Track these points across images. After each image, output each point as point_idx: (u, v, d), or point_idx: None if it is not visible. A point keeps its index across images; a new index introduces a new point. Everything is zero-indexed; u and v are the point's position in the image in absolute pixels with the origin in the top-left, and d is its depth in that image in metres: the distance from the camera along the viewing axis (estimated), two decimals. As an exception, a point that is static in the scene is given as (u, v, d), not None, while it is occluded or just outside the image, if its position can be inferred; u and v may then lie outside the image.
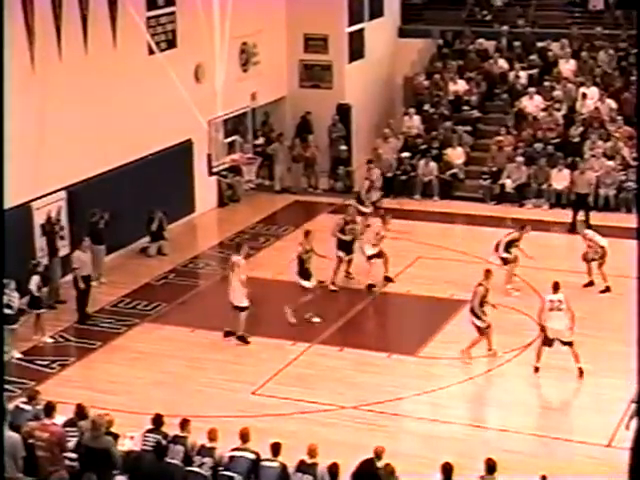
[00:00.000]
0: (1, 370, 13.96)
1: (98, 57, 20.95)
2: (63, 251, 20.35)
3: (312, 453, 12.25)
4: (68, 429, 12.59)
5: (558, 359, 17.45)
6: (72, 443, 12.47)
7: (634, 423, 13.23)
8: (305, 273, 18.84)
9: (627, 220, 22.93)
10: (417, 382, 16.77)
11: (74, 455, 12.34)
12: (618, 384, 15.90)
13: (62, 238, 20.28)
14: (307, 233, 19.35)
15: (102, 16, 20.95)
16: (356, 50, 27.60)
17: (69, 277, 20.30)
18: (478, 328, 17.40)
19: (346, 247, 20.37)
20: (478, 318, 17.37)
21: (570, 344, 16.76)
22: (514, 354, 17.56)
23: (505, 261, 20.13)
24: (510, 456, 14.04)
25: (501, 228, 23.73)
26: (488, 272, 17.77)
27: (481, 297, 17.37)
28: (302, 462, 12.24)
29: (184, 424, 12.74)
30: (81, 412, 12.97)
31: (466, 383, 16.79)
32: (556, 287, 17.07)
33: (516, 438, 15.03)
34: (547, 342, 16.87)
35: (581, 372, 16.72)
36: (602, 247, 20.00)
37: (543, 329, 16.84)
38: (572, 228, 23.18)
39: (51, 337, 18.42)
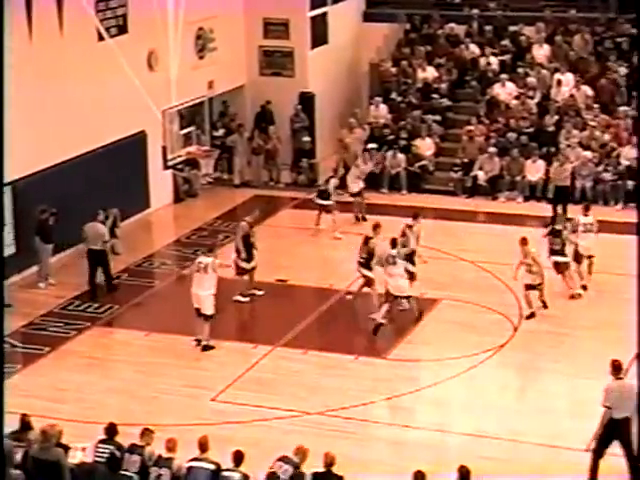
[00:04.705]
0: (1, 368, 13.82)
1: (44, 44, 20.80)
2: (8, 250, 20.20)
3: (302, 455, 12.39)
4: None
5: (533, 360, 17.57)
6: (18, 456, 12.38)
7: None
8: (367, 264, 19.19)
9: (604, 213, 23.07)
10: (386, 386, 16.79)
11: (18, 471, 12.23)
12: (596, 385, 15.97)
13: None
14: (375, 226, 19.69)
15: (48, 1, 20.78)
16: (319, 35, 27.57)
17: (16, 278, 20.22)
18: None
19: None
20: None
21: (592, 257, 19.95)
22: (487, 355, 17.62)
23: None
24: (485, 462, 14.09)
25: (473, 222, 23.96)
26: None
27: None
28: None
29: (144, 433, 12.65)
30: (26, 423, 12.87)
31: (437, 386, 16.84)
32: (587, 208, 20.34)
33: (491, 443, 15.08)
34: (578, 258, 19.82)
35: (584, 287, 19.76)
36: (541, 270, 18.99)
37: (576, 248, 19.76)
38: (552, 222, 23.09)
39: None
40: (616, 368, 13.81)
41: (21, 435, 12.74)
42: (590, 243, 20.03)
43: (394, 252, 18.65)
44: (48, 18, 20.79)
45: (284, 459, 12.40)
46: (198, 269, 17.92)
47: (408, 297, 18.68)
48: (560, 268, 19.73)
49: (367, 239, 19.40)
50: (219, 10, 25.94)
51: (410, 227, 19.74)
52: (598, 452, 13.71)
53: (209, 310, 17.89)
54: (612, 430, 13.59)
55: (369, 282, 19.25)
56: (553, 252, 19.80)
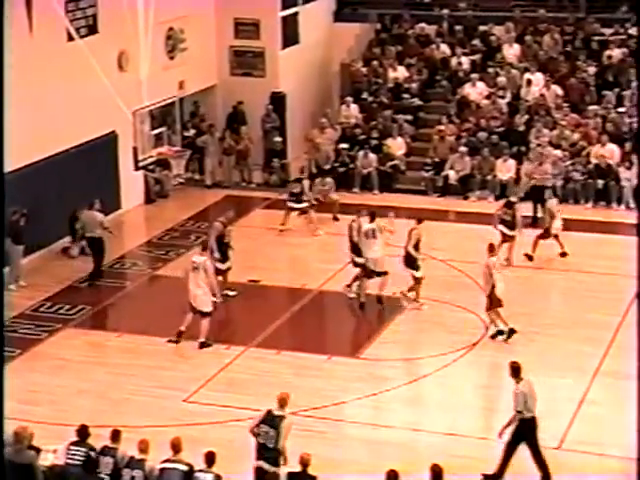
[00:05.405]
0: (1, 365, 13.70)
1: (13, 44, 20.59)
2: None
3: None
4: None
5: (506, 358, 17.58)
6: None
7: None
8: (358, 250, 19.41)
9: (575, 212, 23.23)
10: (359, 385, 16.79)
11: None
12: (568, 384, 16.09)
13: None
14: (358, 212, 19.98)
15: (17, 0, 20.64)
16: (290, 35, 27.55)
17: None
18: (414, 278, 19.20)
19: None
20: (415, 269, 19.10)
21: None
22: (460, 354, 17.66)
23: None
24: (458, 461, 14.12)
25: (445, 222, 24.00)
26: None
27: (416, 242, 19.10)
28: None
29: (116, 434, 12.61)
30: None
31: (410, 385, 16.86)
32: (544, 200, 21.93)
33: (464, 442, 15.11)
34: (546, 235, 21.18)
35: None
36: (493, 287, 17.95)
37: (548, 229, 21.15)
38: (534, 221, 22.92)
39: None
40: (515, 370, 13.83)
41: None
42: (559, 225, 21.27)
43: (373, 226, 19.17)
44: (17, 18, 20.64)
45: (267, 421, 12.75)
46: (192, 268, 17.98)
47: (384, 273, 19.10)
48: (506, 239, 20.68)
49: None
50: (190, 10, 25.87)
51: (411, 230, 19.34)
52: (511, 449, 13.83)
53: (206, 307, 17.91)
54: (525, 430, 13.67)
55: (359, 267, 19.43)
56: (502, 222, 20.86)
